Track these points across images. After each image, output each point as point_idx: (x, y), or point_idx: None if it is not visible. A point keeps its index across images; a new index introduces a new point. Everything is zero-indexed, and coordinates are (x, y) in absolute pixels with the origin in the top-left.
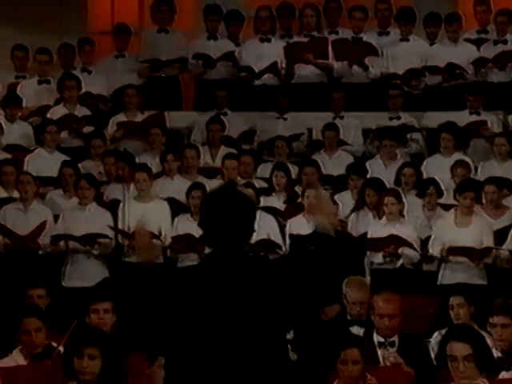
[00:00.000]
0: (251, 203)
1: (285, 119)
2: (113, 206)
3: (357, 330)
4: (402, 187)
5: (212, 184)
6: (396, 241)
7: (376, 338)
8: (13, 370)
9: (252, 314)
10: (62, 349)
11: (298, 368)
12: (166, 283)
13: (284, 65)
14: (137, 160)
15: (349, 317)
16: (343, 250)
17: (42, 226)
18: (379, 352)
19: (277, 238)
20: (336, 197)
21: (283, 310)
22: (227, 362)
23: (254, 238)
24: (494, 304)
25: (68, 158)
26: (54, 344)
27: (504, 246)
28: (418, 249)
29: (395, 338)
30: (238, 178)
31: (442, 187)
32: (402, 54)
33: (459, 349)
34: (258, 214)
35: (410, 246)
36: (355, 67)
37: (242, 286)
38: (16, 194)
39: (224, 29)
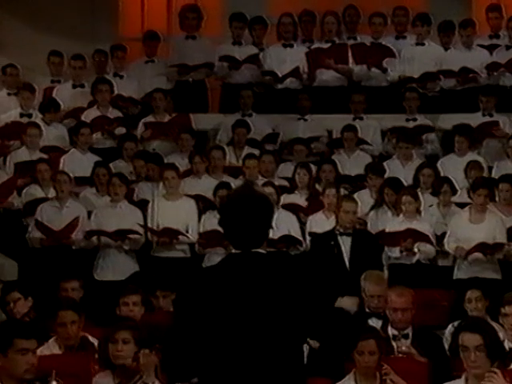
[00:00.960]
0: (268, 202)
1: (305, 120)
2: (142, 204)
3: (375, 323)
4: (420, 187)
5: (237, 183)
6: (413, 234)
7: (390, 330)
8: (48, 359)
9: (270, 314)
10: (95, 342)
11: (319, 357)
12: (189, 282)
13: (306, 69)
14: (165, 160)
15: (367, 309)
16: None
17: (75, 222)
18: (394, 344)
19: (297, 234)
20: (355, 195)
21: (304, 310)
22: (245, 362)
23: (276, 234)
24: (506, 296)
25: (100, 159)
26: (90, 338)
27: None
28: (434, 246)
29: (409, 331)
30: (260, 176)
31: (456, 185)
32: (418, 57)
33: (470, 339)
34: (279, 211)
35: (426, 239)
36: (374, 70)
37: (261, 284)
38: (51, 193)
39: (248, 35)
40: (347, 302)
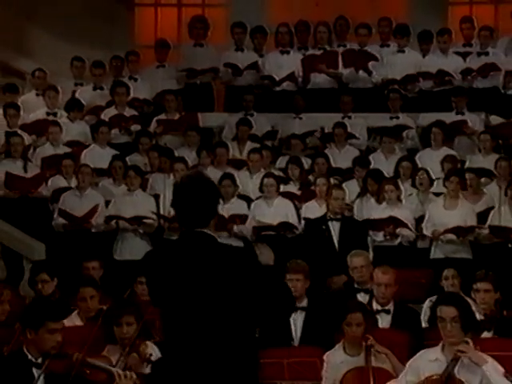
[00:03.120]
0: (214, 187)
1: (301, 119)
2: (155, 194)
3: (362, 297)
4: (400, 177)
5: (240, 174)
6: (394, 221)
7: (375, 305)
8: (71, 330)
9: (211, 283)
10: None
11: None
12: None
13: (301, 73)
14: (175, 153)
15: (356, 285)
16: None
17: (94, 209)
18: (378, 317)
19: (293, 219)
20: (344, 185)
21: (243, 285)
22: (195, 324)
23: (276, 218)
24: (477, 274)
25: (117, 153)
26: (105, 308)
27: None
28: (414, 229)
29: (390, 307)
30: (262, 169)
31: (432, 175)
32: (399, 62)
33: (447, 312)
34: (279, 198)
35: (406, 226)
36: (361, 72)
37: (203, 258)
38: (73, 183)
39: (250, 42)
40: (265, 257)
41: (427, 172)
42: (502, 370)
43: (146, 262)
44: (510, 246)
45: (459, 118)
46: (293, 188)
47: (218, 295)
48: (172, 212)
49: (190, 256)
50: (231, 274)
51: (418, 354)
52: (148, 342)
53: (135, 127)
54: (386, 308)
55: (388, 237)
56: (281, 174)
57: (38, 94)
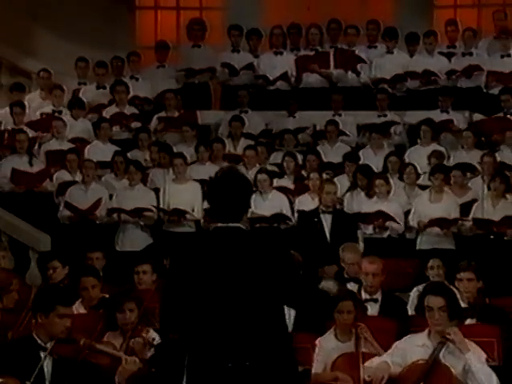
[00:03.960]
0: (248, 182)
1: (294, 117)
2: (155, 188)
3: (352, 286)
4: (388, 172)
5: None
6: (382, 215)
7: (363, 295)
8: (75, 318)
9: (247, 276)
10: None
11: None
12: (180, 249)
13: (294, 73)
14: (175, 149)
15: (346, 275)
16: None
17: (98, 202)
18: (367, 305)
19: (287, 212)
20: (335, 179)
21: (277, 274)
22: (226, 317)
23: (270, 211)
24: (460, 264)
25: (119, 148)
26: (108, 297)
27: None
28: (402, 223)
29: (378, 296)
30: (257, 164)
31: (419, 170)
32: (387, 63)
33: (435, 301)
34: (273, 192)
35: (394, 219)
36: (350, 73)
37: (240, 252)
38: (77, 177)
39: (245, 44)
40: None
41: (414, 167)
42: (484, 356)
43: (182, 254)
44: (491, 237)
45: (445, 116)
46: (287, 182)
47: (252, 286)
48: (171, 205)
49: (225, 251)
50: (264, 267)
51: (404, 338)
52: (149, 328)
53: (135, 124)
54: (374, 297)
55: (377, 230)
56: (275, 168)
57: (43, 93)
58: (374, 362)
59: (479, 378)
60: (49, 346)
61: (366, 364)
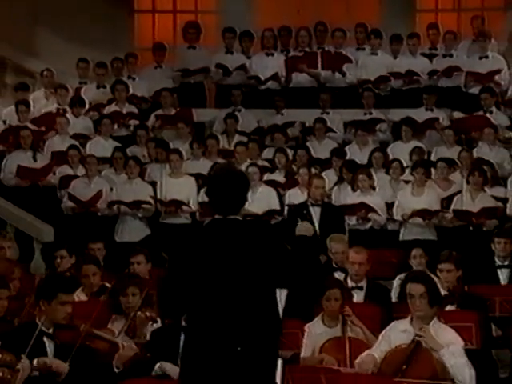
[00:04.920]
0: (244, 177)
1: (282, 114)
2: (153, 181)
3: (339, 275)
4: (373, 167)
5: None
6: (365, 207)
7: (350, 283)
8: (77, 304)
9: (244, 264)
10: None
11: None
12: (181, 239)
13: (284, 73)
14: (171, 145)
15: (334, 265)
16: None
17: (99, 194)
18: (353, 293)
19: (276, 205)
20: (323, 174)
21: (272, 262)
22: (223, 303)
23: (259, 205)
24: (441, 255)
25: (118, 144)
26: (107, 285)
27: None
28: (384, 214)
29: (363, 283)
30: (248, 159)
31: (404, 164)
32: (373, 64)
33: (416, 289)
34: (262, 186)
35: (375, 211)
36: (337, 73)
37: (237, 242)
38: (78, 171)
39: (238, 45)
40: (303, 228)
41: (399, 162)
42: (461, 343)
43: (182, 244)
44: (471, 228)
45: (429, 114)
46: (278, 176)
47: (247, 274)
48: (168, 198)
49: (224, 240)
50: (259, 254)
51: (389, 326)
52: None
53: (134, 122)
54: (360, 285)
55: (360, 221)
56: (267, 164)
57: (46, 92)
58: (363, 356)
59: (453, 373)
60: (51, 331)
61: (356, 361)
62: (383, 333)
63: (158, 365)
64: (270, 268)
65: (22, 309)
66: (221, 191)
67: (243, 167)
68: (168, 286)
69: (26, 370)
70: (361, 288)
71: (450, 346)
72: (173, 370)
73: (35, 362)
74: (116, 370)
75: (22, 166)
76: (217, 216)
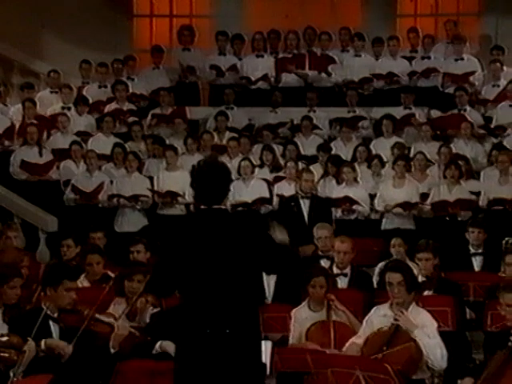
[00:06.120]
0: (227, 169)
1: (274, 112)
2: (150, 175)
3: (325, 263)
4: (357, 161)
5: (221, 158)
6: (349, 200)
7: (335, 270)
8: (80, 291)
9: (228, 249)
10: (112, 274)
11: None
12: (172, 229)
13: (273, 74)
14: (167, 141)
15: (319, 253)
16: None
17: (100, 187)
18: (337, 280)
19: (267, 195)
20: (311, 167)
21: (258, 249)
22: (211, 285)
23: (252, 196)
24: (419, 244)
25: (118, 140)
26: (110, 273)
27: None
28: (367, 206)
29: (348, 271)
30: (240, 154)
31: (384, 159)
32: (356, 65)
33: (394, 277)
34: (254, 179)
35: (358, 203)
36: (323, 74)
37: (222, 230)
38: (81, 166)
39: (230, 47)
40: (279, 235)
41: (380, 157)
42: (435, 325)
43: (172, 233)
44: (447, 218)
45: (407, 111)
46: (266, 171)
47: (233, 260)
48: (164, 190)
49: (210, 229)
50: (242, 241)
51: (371, 311)
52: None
53: (132, 119)
54: (344, 272)
55: (345, 213)
56: (256, 159)
57: (51, 92)
58: (347, 345)
59: (425, 352)
60: (56, 316)
61: (343, 349)
62: (366, 318)
63: (158, 343)
64: (251, 254)
65: (31, 295)
66: (204, 183)
67: (236, 161)
68: (159, 272)
69: (32, 351)
70: (345, 275)
71: (424, 327)
72: (173, 348)
73: (42, 343)
74: (112, 351)
75: (26, 161)
76: (202, 207)
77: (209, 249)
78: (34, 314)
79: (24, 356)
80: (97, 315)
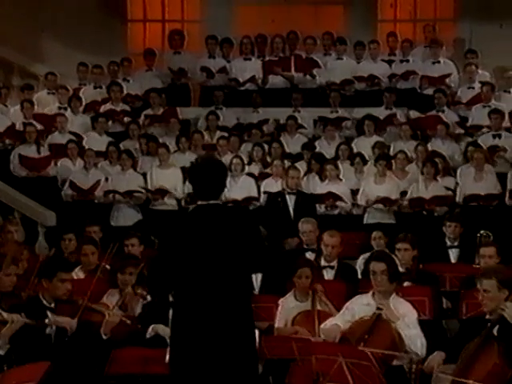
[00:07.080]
0: (223, 166)
1: (258, 112)
2: (144, 172)
3: (310, 255)
4: (339, 159)
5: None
6: (332, 196)
7: (323, 262)
8: (76, 281)
9: (225, 246)
10: (108, 266)
11: (269, 280)
12: (168, 224)
13: (261, 76)
14: (160, 140)
15: (305, 246)
16: None
17: (97, 184)
18: (324, 271)
19: (255, 192)
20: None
21: (248, 244)
22: (206, 281)
23: (240, 193)
24: (398, 236)
25: (112, 139)
26: (103, 263)
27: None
28: (349, 202)
29: (334, 263)
30: (229, 152)
31: (366, 157)
32: (339, 68)
33: (378, 266)
34: (243, 176)
35: (340, 199)
36: (307, 76)
37: (219, 225)
38: (77, 163)
39: (220, 51)
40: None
41: (362, 155)
42: (415, 315)
43: (170, 227)
44: (424, 213)
45: (389, 112)
46: (255, 168)
47: (227, 254)
48: (157, 186)
49: (207, 224)
50: (238, 234)
51: (353, 299)
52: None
53: (127, 119)
54: (331, 264)
55: (329, 208)
56: (245, 157)
57: (48, 93)
58: (328, 324)
59: (407, 342)
60: (52, 306)
61: (321, 326)
62: (347, 304)
63: (150, 327)
64: (245, 249)
65: (26, 285)
66: (202, 179)
67: (226, 159)
68: (157, 266)
69: (17, 322)
70: (332, 267)
71: (405, 317)
72: (164, 331)
73: (50, 316)
74: (104, 337)
75: (24, 156)
76: (200, 202)
77: (205, 243)
78: (31, 303)
79: (5, 327)
80: (91, 305)
